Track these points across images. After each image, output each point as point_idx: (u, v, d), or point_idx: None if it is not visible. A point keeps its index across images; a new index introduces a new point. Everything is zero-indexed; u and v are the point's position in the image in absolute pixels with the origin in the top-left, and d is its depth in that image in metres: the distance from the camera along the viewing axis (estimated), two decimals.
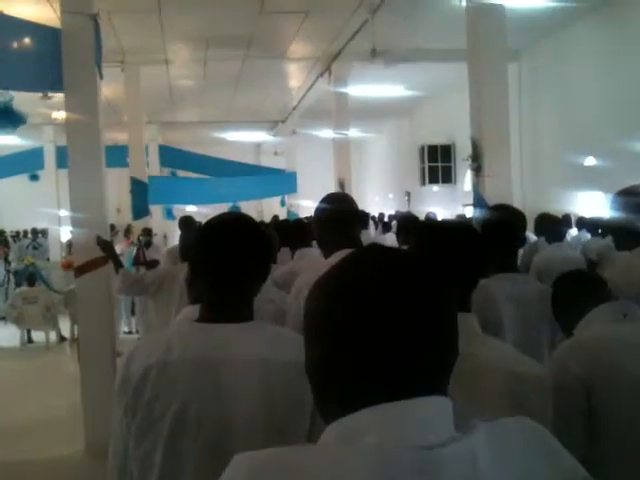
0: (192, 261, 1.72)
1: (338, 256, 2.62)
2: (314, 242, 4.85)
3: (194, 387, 1.53)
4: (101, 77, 5.67)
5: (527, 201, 10.66)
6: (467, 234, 1.74)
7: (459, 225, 1.84)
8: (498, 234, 2.66)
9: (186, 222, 6.80)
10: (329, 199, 2.75)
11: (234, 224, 1.72)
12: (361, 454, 0.81)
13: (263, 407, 1.53)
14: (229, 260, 1.64)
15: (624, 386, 1.76)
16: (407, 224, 5.57)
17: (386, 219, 15.53)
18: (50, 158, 16.72)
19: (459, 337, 1.53)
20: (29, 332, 10.64)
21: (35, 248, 15.82)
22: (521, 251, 6.63)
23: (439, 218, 13.53)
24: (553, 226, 6.39)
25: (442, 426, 0.84)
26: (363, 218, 2.75)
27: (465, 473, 0.80)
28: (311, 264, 3.30)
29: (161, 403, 1.52)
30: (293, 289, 2.66)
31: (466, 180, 14.29)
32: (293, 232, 5.08)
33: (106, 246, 5.19)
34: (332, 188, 12.06)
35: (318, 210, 2.72)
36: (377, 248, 0.95)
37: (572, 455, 0.91)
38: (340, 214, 2.66)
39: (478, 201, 6.58)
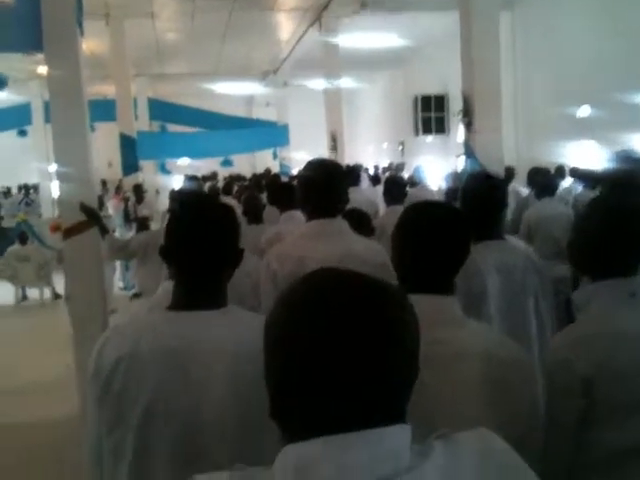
0: (160, 248, 1.66)
1: (312, 226, 2.59)
2: None
3: (163, 380, 1.49)
4: (82, 34, 5.53)
5: (521, 154, 10.58)
6: (450, 216, 1.69)
7: (442, 207, 1.78)
8: (479, 203, 2.63)
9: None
10: (312, 166, 2.65)
11: (201, 212, 1.65)
12: None
13: (234, 400, 1.49)
14: (198, 249, 1.59)
15: (628, 382, 1.67)
16: (393, 187, 5.60)
17: (372, 171, 15.24)
18: (38, 113, 16.45)
19: (438, 323, 1.52)
20: (24, 289, 10.66)
21: (28, 204, 15.70)
22: (513, 205, 6.69)
23: (433, 169, 13.38)
24: (544, 180, 6.36)
25: (397, 456, 0.82)
26: (343, 190, 2.67)
27: None
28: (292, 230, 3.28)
29: (130, 395, 1.49)
30: (263, 262, 2.62)
31: (459, 131, 14.16)
32: (281, 193, 5.00)
33: (90, 212, 5.13)
34: (325, 140, 11.91)
35: (300, 176, 2.66)
36: (335, 275, 0.91)
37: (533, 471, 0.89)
38: (319, 183, 2.56)
39: (469, 156, 6.51)
